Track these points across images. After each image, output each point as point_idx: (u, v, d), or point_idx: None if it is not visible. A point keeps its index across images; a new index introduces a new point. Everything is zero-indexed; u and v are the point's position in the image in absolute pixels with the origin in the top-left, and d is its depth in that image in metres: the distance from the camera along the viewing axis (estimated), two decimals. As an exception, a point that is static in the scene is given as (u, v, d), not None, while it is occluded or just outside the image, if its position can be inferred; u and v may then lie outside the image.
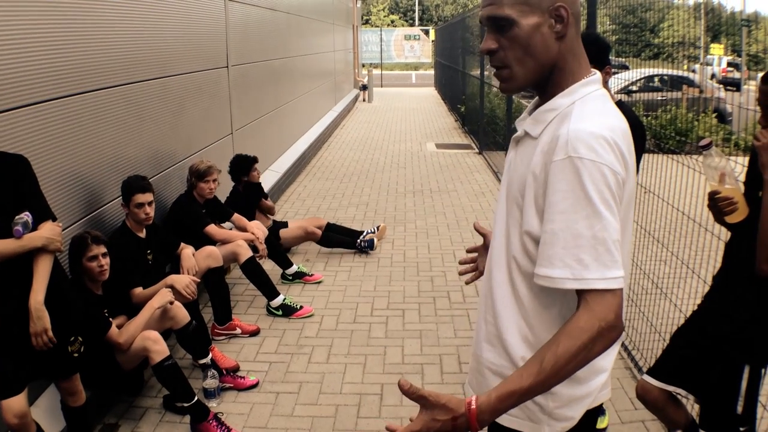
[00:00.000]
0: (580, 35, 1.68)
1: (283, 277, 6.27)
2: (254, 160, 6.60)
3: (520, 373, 1.47)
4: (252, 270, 5.48)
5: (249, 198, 6.54)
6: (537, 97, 1.77)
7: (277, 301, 5.52)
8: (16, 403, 2.97)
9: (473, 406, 1.45)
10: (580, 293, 1.49)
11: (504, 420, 1.74)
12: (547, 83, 1.68)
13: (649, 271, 4.42)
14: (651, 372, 3.08)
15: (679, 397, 3.06)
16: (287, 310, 5.52)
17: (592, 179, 1.47)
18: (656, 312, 4.46)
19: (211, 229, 5.37)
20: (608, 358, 1.76)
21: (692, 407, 3.19)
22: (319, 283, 6.28)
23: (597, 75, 1.69)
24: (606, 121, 1.56)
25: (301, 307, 5.58)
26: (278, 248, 6.32)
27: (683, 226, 4.31)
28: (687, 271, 4.35)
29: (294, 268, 6.27)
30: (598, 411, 1.84)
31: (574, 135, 1.51)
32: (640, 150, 3.62)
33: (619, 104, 3.63)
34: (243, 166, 6.49)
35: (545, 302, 1.67)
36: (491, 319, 1.78)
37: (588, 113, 1.58)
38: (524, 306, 1.70)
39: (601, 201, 1.47)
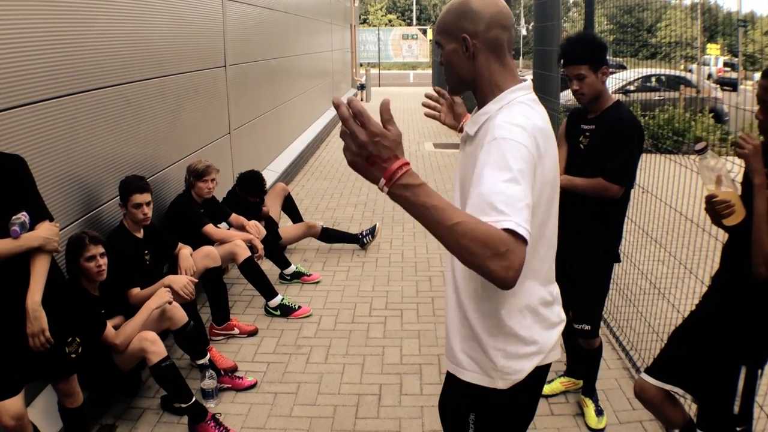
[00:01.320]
0: (504, 54, 2.02)
1: (281, 277, 6.26)
2: (265, 193, 6.55)
3: (444, 205, 1.60)
4: (250, 270, 5.47)
5: (246, 205, 6.49)
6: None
7: (275, 301, 5.52)
8: (13, 404, 2.95)
9: (400, 171, 1.58)
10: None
11: (466, 376, 2.08)
12: (477, 93, 2.06)
13: (647, 271, 4.42)
14: (649, 371, 3.08)
15: (676, 396, 3.06)
16: (285, 310, 5.52)
17: (512, 153, 1.76)
18: (654, 312, 4.46)
19: (209, 228, 5.36)
20: (554, 330, 2.14)
21: (690, 407, 3.18)
22: (318, 283, 6.27)
23: (526, 83, 2.05)
24: (526, 118, 1.89)
25: (299, 307, 5.58)
26: (276, 248, 6.30)
27: (681, 227, 4.32)
28: (684, 272, 4.35)
29: (292, 268, 6.27)
30: (547, 369, 2.20)
31: (499, 124, 1.85)
32: (638, 151, 3.62)
33: (617, 105, 3.64)
34: (255, 189, 6.42)
35: (472, 275, 2.00)
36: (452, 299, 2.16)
37: (512, 112, 1.91)
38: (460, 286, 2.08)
39: (518, 171, 1.73)
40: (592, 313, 3.89)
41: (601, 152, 3.61)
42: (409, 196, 1.58)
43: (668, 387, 3.00)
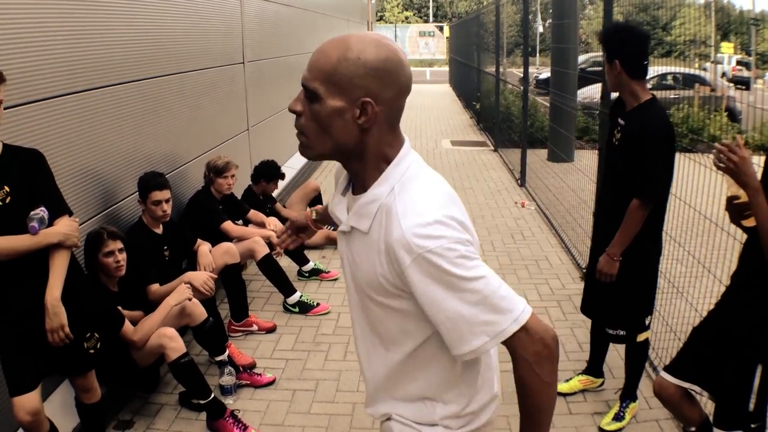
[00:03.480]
0: (399, 121, 1.65)
1: (300, 273, 6.25)
2: (282, 176, 6.57)
3: None
4: (269, 267, 5.46)
5: (262, 202, 6.50)
6: (347, 173, 1.75)
7: (294, 298, 5.50)
8: (29, 400, 2.93)
9: None
10: (506, 343, 1.56)
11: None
12: (354, 166, 1.65)
13: (665, 270, 4.35)
14: (668, 369, 3.06)
15: (694, 394, 3.02)
16: (304, 307, 5.50)
17: (449, 260, 1.49)
18: (671, 311, 4.41)
19: (228, 225, 5.35)
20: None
21: (706, 405, 3.15)
22: (336, 280, 6.25)
23: (405, 146, 1.65)
24: (431, 201, 1.56)
25: (318, 304, 5.57)
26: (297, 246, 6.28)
27: (698, 225, 4.26)
28: (702, 271, 4.30)
29: (310, 265, 6.25)
30: None
31: (410, 234, 1.49)
32: (668, 160, 3.52)
33: (649, 105, 3.52)
34: (270, 173, 6.48)
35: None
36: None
37: (410, 202, 1.55)
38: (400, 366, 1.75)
39: (467, 269, 1.50)
40: (626, 317, 3.82)
41: (627, 155, 3.52)
42: None
43: (686, 385, 2.97)
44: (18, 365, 2.94)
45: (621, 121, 3.63)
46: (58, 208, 3.04)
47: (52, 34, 3.63)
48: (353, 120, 1.54)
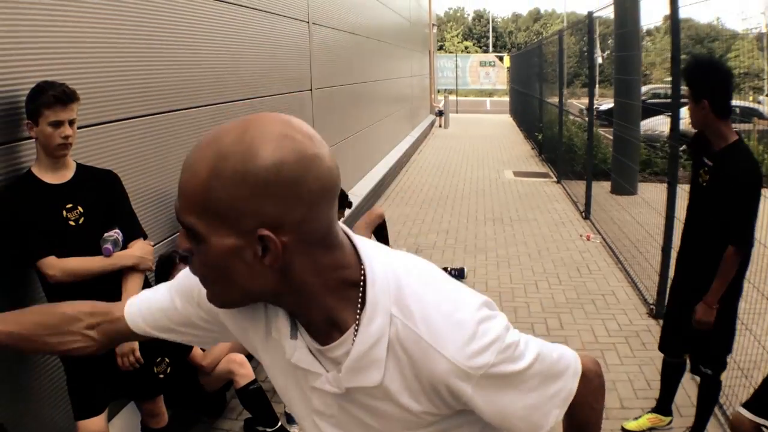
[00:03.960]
0: (334, 235, 1.14)
1: None
2: (349, 204, 6.53)
3: None
4: None
5: None
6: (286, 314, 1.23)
7: None
8: (95, 424, 2.90)
9: None
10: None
11: None
12: (289, 304, 1.17)
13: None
14: (746, 405, 2.98)
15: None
16: None
17: (510, 361, 1.17)
18: (737, 348, 4.24)
19: None
20: None
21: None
22: None
23: (362, 248, 1.19)
24: (450, 302, 1.17)
25: None
26: None
27: (762, 259, 4.11)
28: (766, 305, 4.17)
29: None
30: None
31: (462, 361, 1.13)
32: (757, 205, 3.39)
33: (735, 147, 3.41)
34: (338, 202, 6.39)
35: None
36: None
37: (432, 321, 1.14)
38: None
39: (524, 358, 1.20)
40: (713, 356, 3.71)
41: (719, 201, 3.41)
42: None
43: (761, 421, 2.90)
44: (85, 388, 2.91)
45: (708, 162, 3.52)
46: (133, 231, 3.03)
47: (128, 56, 3.66)
48: (256, 260, 1.07)
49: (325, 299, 1.14)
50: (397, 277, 1.17)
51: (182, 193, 1.10)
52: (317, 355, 1.21)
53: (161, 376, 3.20)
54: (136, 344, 2.90)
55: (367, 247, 1.21)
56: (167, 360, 3.24)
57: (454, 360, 1.12)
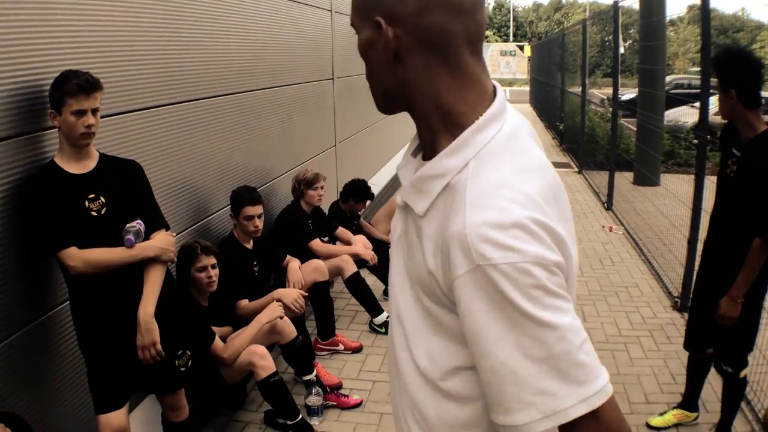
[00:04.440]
0: (459, 55, 1.16)
1: (386, 293, 6.13)
2: (371, 196, 6.49)
3: None
4: (357, 285, 5.38)
5: (348, 219, 6.42)
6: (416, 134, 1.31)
7: (381, 318, 5.40)
8: (116, 418, 2.86)
9: None
10: (563, 428, 1.08)
11: None
12: (417, 122, 1.24)
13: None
14: None
15: None
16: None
17: (518, 287, 1.03)
18: (765, 344, 4.17)
19: (315, 244, 5.28)
20: None
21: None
22: None
23: (496, 105, 1.18)
24: (521, 189, 1.09)
25: None
26: (383, 264, 6.19)
27: None
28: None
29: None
30: None
31: (476, 234, 1.04)
32: None
33: (765, 135, 3.32)
34: (360, 194, 6.37)
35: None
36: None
37: (489, 187, 1.09)
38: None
39: (542, 308, 1.04)
40: (735, 354, 3.63)
41: (748, 190, 3.33)
42: None
43: None
44: (106, 381, 2.88)
45: (736, 152, 3.44)
46: (156, 222, 3.00)
47: (151, 45, 3.63)
48: (380, 50, 1.17)
49: (432, 119, 1.20)
50: (504, 146, 1.15)
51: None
52: (414, 171, 1.26)
53: (182, 369, 3.17)
54: (157, 338, 2.86)
55: (503, 109, 1.19)
56: (188, 353, 3.20)
57: (468, 226, 1.05)
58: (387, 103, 1.26)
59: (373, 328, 5.42)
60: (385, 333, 5.34)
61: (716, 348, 3.74)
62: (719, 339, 3.66)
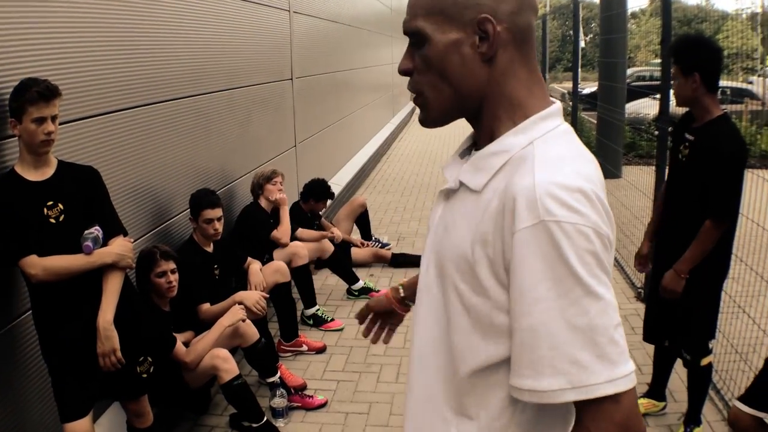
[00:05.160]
0: (533, 53, 1.29)
1: (349, 292, 6.15)
2: (331, 196, 6.50)
3: None
4: (304, 275, 5.45)
5: (309, 219, 6.42)
6: (471, 135, 1.39)
7: (311, 311, 5.52)
8: (81, 426, 2.85)
9: None
10: (581, 403, 1.11)
11: None
12: (482, 118, 1.29)
13: (725, 288, 4.24)
14: (743, 399, 2.91)
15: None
16: (317, 321, 5.51)
17: (576, 249, 1.09)
18: (732, 332, 4.25)
19: (276, 233, 5.32)
20: None
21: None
22: (359, 301, 6.11)
23: (557, 105, 1.29)
24: (582, 169, 1.17)
25: (332, 319, 5.54)
26: (344, 263, 6.20)
27: (758, 239, 4.11)
28: (764, 287, 4.16)
29: (360, 284, 6.15)
30: None
31: (544, 190, 1.11)
32: (741, 178, 3.37)
33: (721, 121, 3.40)
34: (320, 193, 6.38)
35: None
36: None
37: (555, 158, 1.17)
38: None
39: (592, 276, 1.09)
40: (692, 341, 3.68)
41: (699, 174, 3.38)
42: None
43: (763, 415, 2.82)
44: (70, 390, 2.86)
45: (689, 137, 3.50)
46: (113, 228, 2.98)
47: (107, 51, 3.59)
48: (474, 51, 1.21)
49: (500, 111, 1.26)
50: (562, 138, 1.24)
51: (412, 4, 1.26)
52: (462, 160, 1.35)
53: (144, 375, 3.15)
54: (116, 345, 2.85)
55: (559, 112, 1.28)
56: (150, 359, 3.18)
57: (538, 183, 1.12)
58: (454, 112, 1.30)
59: (303, 320, 5.54)
60: (312, 325, 5.51)
61: (673, 339, 3.79)
62: (676, 328, 3.71)
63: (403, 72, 1.31)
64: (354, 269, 6.35)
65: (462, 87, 1.24)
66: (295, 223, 5.83)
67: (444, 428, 1.33)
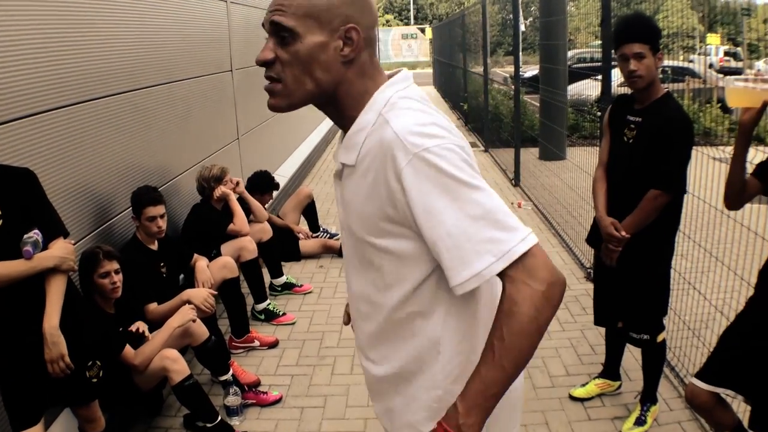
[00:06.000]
0: (375, 52, 1.59)
1: (271, 288, 6.05)
2: (276, 186, 6.40)
3: (477, 371, 1.41)
4: (253, 270, 5.37)
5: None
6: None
7: (262, 305, 5.46)
8: None
9: (446, 428, 1.41)
10: (509, 269, 1.37)
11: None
12: (340, 107, 1.56)
13: (674, 264, 4.30)
14: (699, 375, 2.93)
15: (727, 398, 2.92)
16: (269, 315, 5.45)
17: (448, 161, 1.38)
18: (683, 308, 4.29)
19: (233, 226, 5.27)
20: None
21: (738, 407, 3.05)
22: (309, 293, 6.06)
23: (402, 73, 1.60)
24: (424, 113, 1.48)
25: (284, 313, 5.48)
26: (277, 255, 6.10)
27: (703, 216, 4.15)
28: (712, 263, 4.20)
29: (282, 279, 6.07)
30: None
31: (405, 132, 1.41)
32: (689, 154, 3.39)
33: (667, 97, 3.41)
34: (264, 185, 6.33)
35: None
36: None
37: (402, 113, 1.47)
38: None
39: (470, 176, 1.39)
40: (649, 320, 3.70)
41: (649, 151, 3.38)
42: (474, 415, 1.40)
43: (719, 390, 2.85)
44: (20, 398, 2.77)
45: (634, 118, 3.50)
46: (53, 230, 2.87)
47: (36, 48, 3.46)
48: (336, 53, 1.47)
49: (356, 102, 1.53)
50: (401, 99, 1.51)
51: (285, 5, 1.44)
52: (340, 146, 1.60)
53: (94, 380, 3.06)
54: (64, 350, 2.75)
55: (403, 79, 1.58)
56: (99, 363, 3.09)
57: (398, 131, 1.41)
58: (307, 100, 1.53)
59: (254, 315, 5.47)
60: (264, 320, 5.45)
61: (625, 319, 3.80)
62: (628, 309, 3.73)
63: (264, 62, 1.50)
64: (304, 260, 6.29)
65: (321, 82, 1.48)
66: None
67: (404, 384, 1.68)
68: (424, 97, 1.57)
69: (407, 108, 1.47)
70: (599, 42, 5.74)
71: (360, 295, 1.69)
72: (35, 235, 2.74)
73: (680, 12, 8.31)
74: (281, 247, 6.23)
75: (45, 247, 2.79)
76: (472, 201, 1.36)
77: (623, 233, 3.47)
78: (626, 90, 3.64)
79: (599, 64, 5.55)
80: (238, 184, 5.51)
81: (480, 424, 1.40)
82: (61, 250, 2.82)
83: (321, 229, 7.44)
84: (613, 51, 3.54)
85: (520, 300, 1.35)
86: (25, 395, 2.78)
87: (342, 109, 1.55)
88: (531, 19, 23.61)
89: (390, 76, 1.59)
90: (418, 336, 1.60)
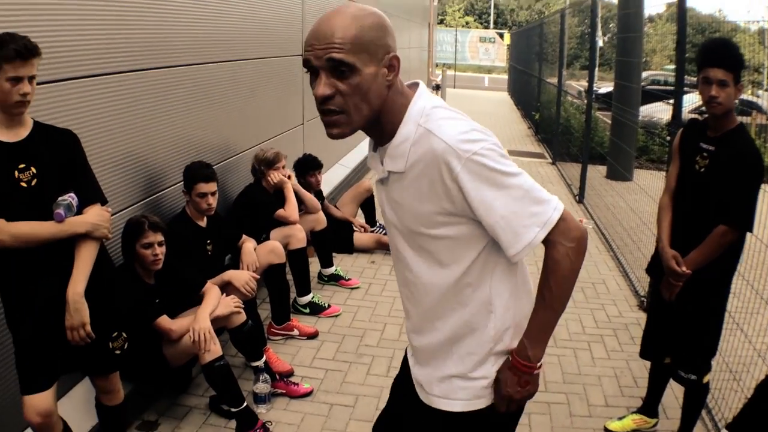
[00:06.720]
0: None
1: (320, 276, 5.99)
2: (319, 165, 6.28)
3: (534, 315, 1.86)
4: (300, 259, 5.26)
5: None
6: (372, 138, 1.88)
7: (306, 299, 5.33)
8: (42, 400, 2.69)
9: (520, 360, 1.86)
10: (551, 234, 1.74)
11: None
12: (379, 124, 1.76)
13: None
14: (731, 427, 2.80)
15: None
16: (315, 309, 5.34)
17: (492, 159, 1.67)
18: (727, 349, 4.04)
19: (283, 212, 5.18)
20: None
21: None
22: (357, 288, 5.93)
23: (422, 85, 1.83)
24: (459, 119, 1.74)
25: (329, 306, 5.38)
26: (330, 245, 6.01)
27: (758, 254, 3.92)
28: (761, 304, 3.97)
29: (332, 270, 5.97)
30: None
31: (454, 141, 1.67)
32: (758, 189, 3.19)
33: (741, 129, 3.22)
34: (307, 166, 6.18)
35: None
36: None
37: (441, 123, 1.71)
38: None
39: (508, 166, 1.70)
40: (699, 360, 3.49)
41: (721, 183, 3.17)
42: (539, 346, 1.87)
43: None
44: (32, 362, 2.70)
45: (707, 146, 3.29)
46: (90, 196, 2.80)
47: (95, 9, 3.42)
48: (383, 79, 1.69)
49: (395, 117, 1.75)
50: (435, 105, 1.77)
51: (340, 42, 1.61)
52: (381, 156, 1.83)
53: (117, 351, 2.98)
54: (86, 318, 2.69)
55: (423, 92, 1.81)
56: (124, 335, 3.01)
57: (449, 141, 1.67)
58: (365, 125, 1.73)
59: (297, 309, 5.33)
60: (309, 314, 5.31)
61: (674, 356, 3.59)
62: (678, 346, 3.52)
63: (325, 97, 1.64)
64: (356, 254, 6.18)
65: (375, 106, 1.70)
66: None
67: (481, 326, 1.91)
68: (444, 103, 1.82)
69: (444, 118, 1.73)
70: (673, 66, 5.55)
71: (414, 280, 1.92)
72: (70, 198, 2.68)
73: (750, 46, 8.03)
74: (335, 237, 6.14)
75: (79, 212, 2.72)
76: (514, 186, 1.69)
77: (684, 269, 3.26)
78: (696, 116, 3.44)
79: (672, 87, 5.33)
80: (290, 177, 5.43)
81: (542, 353, 1.86)
82: (95, 217, 2.75)
83: (378, 224, 7.32)
84: (696, 71, 3.32)
85: (560, 258, 1.75)
86: (38, 359, 2.71)
87: (384, 125, 1.76)
88: (609, 35, 23.15)
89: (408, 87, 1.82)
90: (469, 305, 1.87)
